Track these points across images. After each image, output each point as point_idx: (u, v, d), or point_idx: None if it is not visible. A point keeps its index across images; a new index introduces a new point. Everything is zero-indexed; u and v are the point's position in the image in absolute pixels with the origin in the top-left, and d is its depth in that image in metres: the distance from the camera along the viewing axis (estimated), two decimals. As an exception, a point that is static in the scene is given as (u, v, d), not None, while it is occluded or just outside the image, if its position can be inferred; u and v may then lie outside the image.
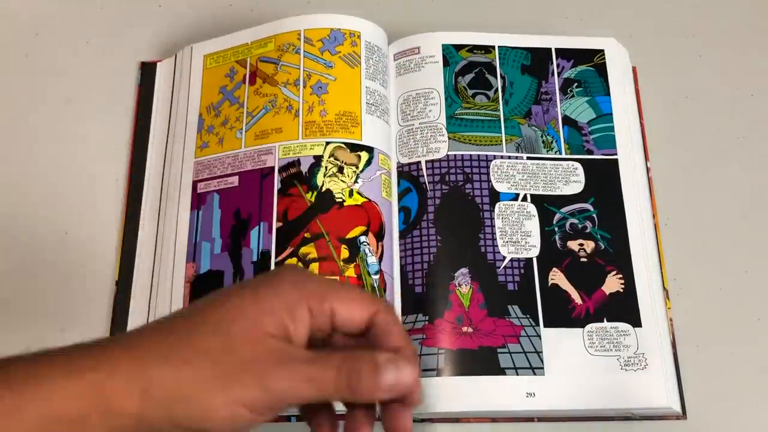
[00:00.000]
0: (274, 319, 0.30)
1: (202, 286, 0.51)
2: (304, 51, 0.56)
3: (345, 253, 0.50)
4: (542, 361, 0.50)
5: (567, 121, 0.57)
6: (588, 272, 0.53)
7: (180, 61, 0.60)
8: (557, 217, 0.54)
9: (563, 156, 0.56)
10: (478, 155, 0.55)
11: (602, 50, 0.60)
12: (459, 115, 0.57)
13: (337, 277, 0.49)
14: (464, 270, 0.52)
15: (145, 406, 0.29)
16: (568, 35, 0.60)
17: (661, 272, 0.54)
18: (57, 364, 0.29)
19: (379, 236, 0.52)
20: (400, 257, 0.53)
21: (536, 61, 0.59)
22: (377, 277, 0.51)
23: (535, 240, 0.53)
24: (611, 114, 0.58)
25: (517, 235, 0.53)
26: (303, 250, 0.50)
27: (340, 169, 0.53)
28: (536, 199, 0.54)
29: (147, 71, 0.61)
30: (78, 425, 0.28)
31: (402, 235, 0.53)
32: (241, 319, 0.30)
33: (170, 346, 0.30)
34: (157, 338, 0.30)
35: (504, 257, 0.53)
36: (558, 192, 0.55)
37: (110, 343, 0.31)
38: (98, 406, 0.28)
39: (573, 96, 0.58)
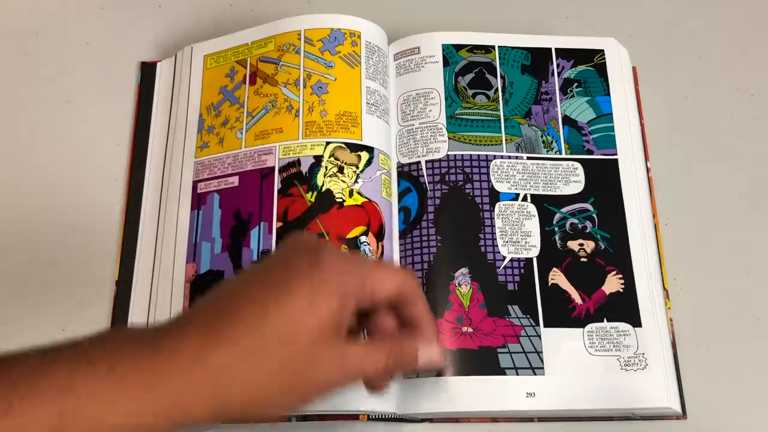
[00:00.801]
0: (329, 310, 0.34)
1: (202, 286, 0.51)
2: (305, 51, 0.56)
3: (345, 253, 0.50)
4: (542, 361, 0.50)
5: (567, 121, 0.57)
6: (588, 272, 0.53)
7: (180, 61, 0.60)
8: (557, 217, 0.54)
9: (563, 156, 0.56)
10: (478, 155, 0.55)
11: (602, 50, 0.60)
12: (459, 115, 0.57)
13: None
14: (464, 270, 0.52)
15: (216, 404, 0.31)
16: (568, 35, 0.60)
17: (661, 272, 0.54)
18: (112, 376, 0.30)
19: (379, 236, 0.52)
20: (400, 257, 0.53)
21: (536, 61, 0.59)
22: (377, 277, 0.51)
23: (535, 240, 0.53)
24: (611, 114, 0.58)
25: (517, 235, 0.53)
26: (303, 250, 0.50)
27: (341, 169, 0.53)
28: (536, 199, 0.54)
29: (147, 71, 0.61)
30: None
31: (402, 235, 0.53)
32: (300, 309, 0.33)
33: (238, 334, 0.32)
34: (220, 322, 0.32)
35: (504, 257, 0.53)
36: (558, 192, 0.55)
37: (169, 337, 0.32)
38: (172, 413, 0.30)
39: (573, 96, 0.58)
